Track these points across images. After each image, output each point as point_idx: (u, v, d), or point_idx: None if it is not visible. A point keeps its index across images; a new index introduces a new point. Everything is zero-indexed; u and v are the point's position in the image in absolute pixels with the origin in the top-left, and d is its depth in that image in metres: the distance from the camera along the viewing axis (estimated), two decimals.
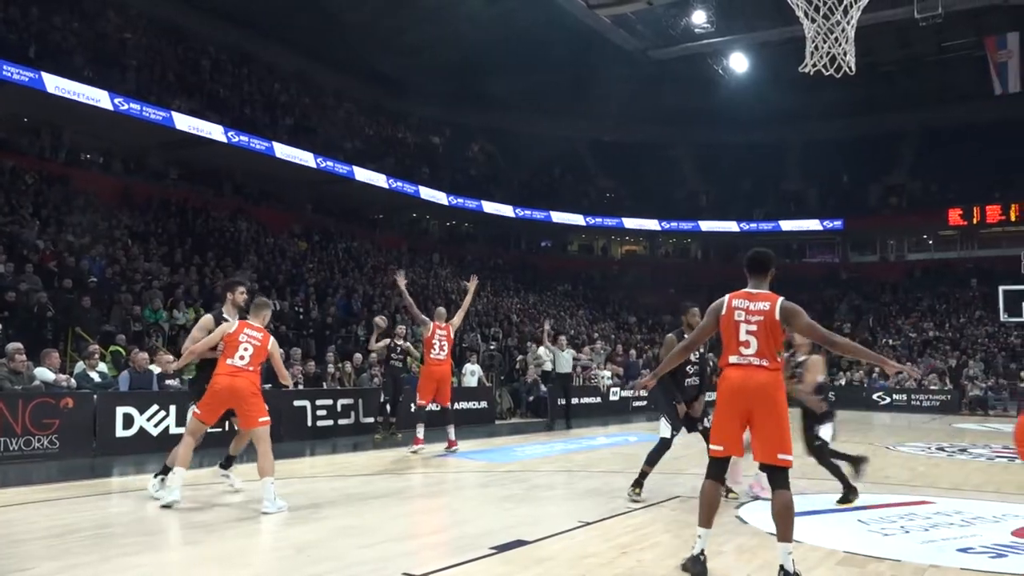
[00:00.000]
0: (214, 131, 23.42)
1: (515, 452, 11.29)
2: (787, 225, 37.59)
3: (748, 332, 4.48)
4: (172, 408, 10.71)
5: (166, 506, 6.25)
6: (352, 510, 6.56)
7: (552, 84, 34.34)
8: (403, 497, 7.37)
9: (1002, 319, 25.67)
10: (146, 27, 26.44)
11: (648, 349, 28.86)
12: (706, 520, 4.56)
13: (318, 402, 13.01)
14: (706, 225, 38.32)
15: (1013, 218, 33.43)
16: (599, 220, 37.76)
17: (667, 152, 40.94)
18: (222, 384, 6.45)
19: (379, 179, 29.15)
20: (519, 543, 5.23)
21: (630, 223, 38.21)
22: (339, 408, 13.26)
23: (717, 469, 4.63)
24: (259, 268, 21.46)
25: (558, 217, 36.60)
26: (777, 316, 4.47)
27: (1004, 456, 11.64)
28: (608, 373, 22.25)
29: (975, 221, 34.23)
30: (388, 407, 12.74)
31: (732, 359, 4.54)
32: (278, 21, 29.54)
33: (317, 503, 6.73)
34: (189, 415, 6.77)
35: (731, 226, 38.06)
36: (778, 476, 4.39)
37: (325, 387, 14.43)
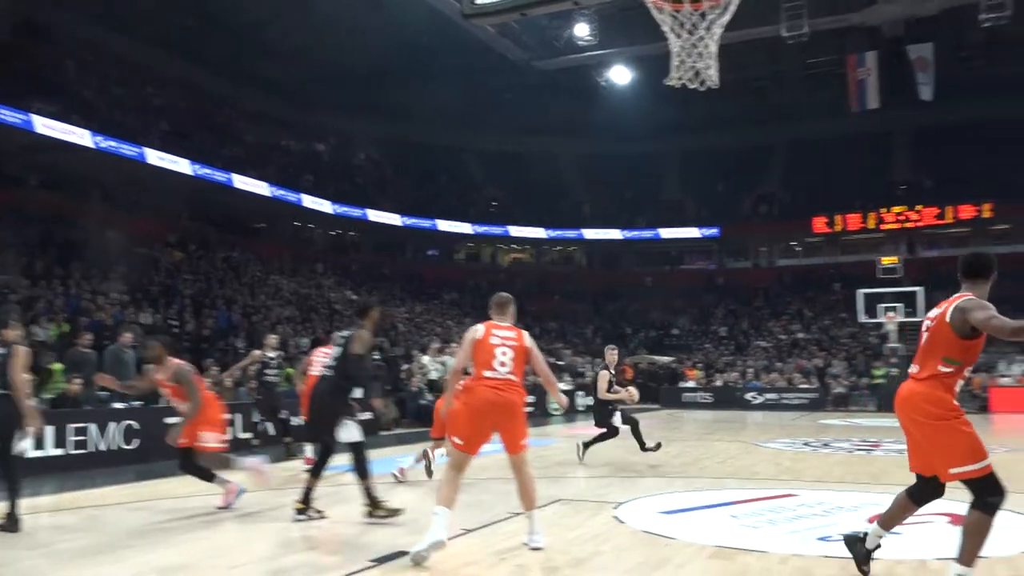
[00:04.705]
0: (80, 135, 22.18)
1: (400, 463, 11.15)
2: (667, 233, 38.78)
3: None
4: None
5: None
6: (225, 529, 6.33)
7: (440, 93, 34.25)
8: (280, 514, 7.15)
9: (861, 320, 27.29)
10: (1, 24, 24.73)
11: None
12: None
13: None
14: (590, 233, 39.12)
15: (872, 226, 35.74)
16: (486, 228, 37.98)
17: (552, 162, 41.60)
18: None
19: (261, 187, 28.31)
20: (400, 554, 5.18)
21: (516, 231, 38.60)
22: None
23: None
24: (130, 279, 20.43)
25: (444, 225, 36.56)
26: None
27: (863, 448, 12.42)
28: None
29: (838, 229, 36.42)
30: (281, 425, 11.81)
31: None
32: (151, 22, 28.09)
33: (189, 523, 6.46)
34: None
35: (614, 234, 39.02)
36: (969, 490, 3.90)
37: None
